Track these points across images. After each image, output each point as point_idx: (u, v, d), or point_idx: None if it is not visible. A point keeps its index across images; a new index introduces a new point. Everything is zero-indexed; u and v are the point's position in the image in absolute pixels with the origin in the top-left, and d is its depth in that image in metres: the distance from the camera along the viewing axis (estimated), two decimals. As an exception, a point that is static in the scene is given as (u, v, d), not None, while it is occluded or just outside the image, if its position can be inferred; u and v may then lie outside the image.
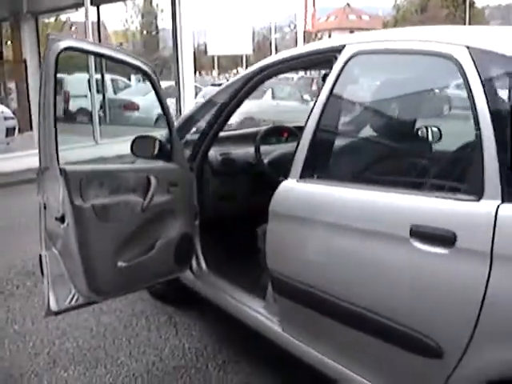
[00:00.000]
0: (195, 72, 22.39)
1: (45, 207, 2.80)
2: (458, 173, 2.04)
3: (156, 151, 3.32)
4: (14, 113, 11.38)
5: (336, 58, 2.50)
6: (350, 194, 2.29)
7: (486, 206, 1.78)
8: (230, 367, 3.18)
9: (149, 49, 37.40)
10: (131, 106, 14.53)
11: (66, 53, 2.70)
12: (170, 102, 12.12)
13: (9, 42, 15.69)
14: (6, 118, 10.33)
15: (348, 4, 62.25)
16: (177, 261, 3.24)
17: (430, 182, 2.14)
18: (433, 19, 33.79)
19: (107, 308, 3.97)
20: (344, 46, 2.50)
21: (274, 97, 15.75)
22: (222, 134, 3.60)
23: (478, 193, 1.82)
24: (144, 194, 3.00)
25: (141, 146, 3.38)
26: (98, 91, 14.10)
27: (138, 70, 3.00)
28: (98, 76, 14.29)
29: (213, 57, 40.94)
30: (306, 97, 15.89)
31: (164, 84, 15.28)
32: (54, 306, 2.82)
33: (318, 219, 2.40)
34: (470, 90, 1.91)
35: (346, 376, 2.39)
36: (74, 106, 15.21)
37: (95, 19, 15.32)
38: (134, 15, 40.33)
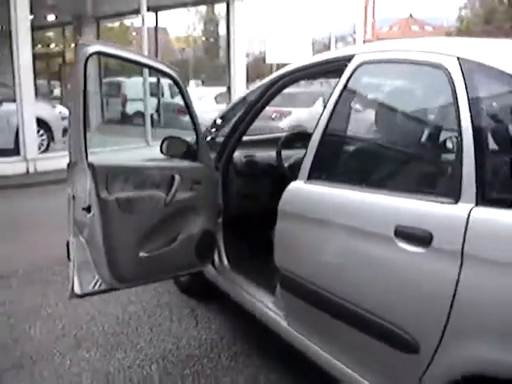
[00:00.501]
0: (254, 79, 22.67)
1: (74, 198, 3.02)
2: (441, 177, 2.13)
3: (183, 151, 3.53)
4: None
5: (346, 67, 2.63)
6: (346, 195, 2.42)
7: (461, 209, 1.89)
8: (242, 359, 3.34)
9: (209, 55, 37.99)
10: (184, 110, 14.83)
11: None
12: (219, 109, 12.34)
13: (72, 45, 16.33)
14: (63, 118, 10.81)
15: (411, 15, 61.44)
16: (198, 255, 3.40)
17: (417, 186, 2.24)
18: (497, 31, 33.02)
19: (135, 298, 4.20)
20: (353, 56, 2.63)
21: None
22: (248, 137, 3.77)
23: (455, 196, 1.93)
24: (168, 190, 3.18)
25: (169, 146, 3.60)
26: (153, 95, 14.58)
27: (163, 74, 3.21)
28: (155, 80, 14.72)
29: (271, 65, 41.28)
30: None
31: (219, 90, 15.61)
32: (77, 290, 3.04)
33: (318, 218, 2.55)
34: (456, 99, 2.01)
35: (337, 368, 2.51)
36: (131, 108, 15.69)
37: (156, 24, 15.81)
38: (197, 22, 41.11)
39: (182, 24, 41.11)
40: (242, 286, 3.43)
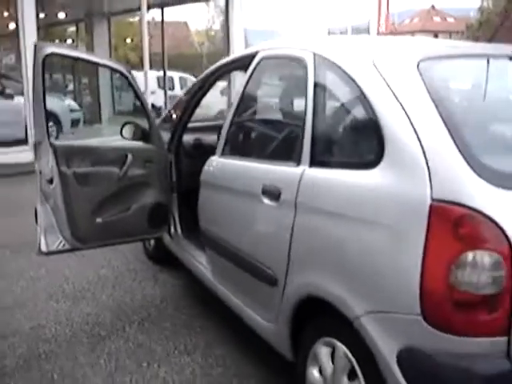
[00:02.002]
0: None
1: (40, 172, 3.66)
2: (292, 148, 2.69)
3: (137, 134, 4.14)
4: (80, 106, 12.60)
5: (251, 62, 3.23)
6: (236, 165, 3.05)
7: (298, 170, 2.48)
8: (185, 310, 3.94)
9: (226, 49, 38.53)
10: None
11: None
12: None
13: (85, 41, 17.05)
14: (71, 111, 11.57)
15: (433, 6, 61.23)
16: (150, 224, 4.01)
17: (278, 155, 2.84)
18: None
19: (107, 264, 4.87)
20: (257, 52, 3.22)
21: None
22: (197, 124, 4.38)
23: (298, 161, 2.52)
24: (121, 167, 3.81)
25: (127, 130, 4.21)
26: (162, 88, 15.26)
27: (113, 70, 3.84)
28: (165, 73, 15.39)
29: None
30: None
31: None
32: (44, 248, 3.67)
33: (219, 184, 3.19)
34: (306, 85, 2.59)
35: (237, 306, 3.12)
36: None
37: (170, 19, 16.44)
38: (216, 15, 41.72)
39: (202, 18, 41.69)
40: (189, 251, 4.03)
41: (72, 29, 19.12)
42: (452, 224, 1.77)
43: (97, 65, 3.83)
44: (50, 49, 3.45)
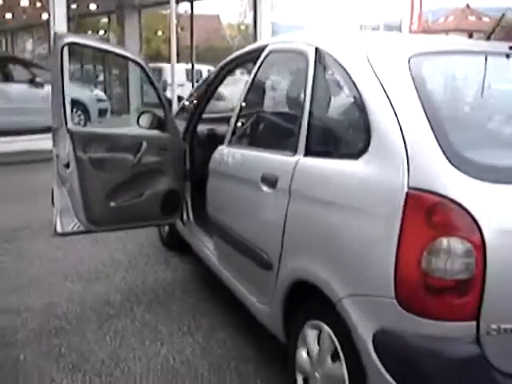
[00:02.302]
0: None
1: (57, 157, 3.82)
2: (290, 138, 2.78)
3: (153, 123, 4.27)
4: (109, 96, 12.86)
5: (260, 55, 3.33)
6: (240, 154, 3.17)
7: (293, 159, 2.59)
8: (193, 294, 4.08)
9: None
10: (216, 96, 15.69)
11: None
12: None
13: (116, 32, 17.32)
14: (99, 100, 11.82)
15: (468, 5, 60.39)
16: (163, 210, 4.15)
17: (277, 144, 2.95)
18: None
19: (122, 247, 5.03)
20: (266, 46, 3.33)
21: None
22: (213, 115, 4.50)
23: (294, 151, 2.63)
24: (135, 154, 3.95)
25: (144, 119, 4.35)
26: (190, 80, 15.45)
27: (131, 61, 3.98)
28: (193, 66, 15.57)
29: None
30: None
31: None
32: (59, 229, 3.83)
33: (226, 172, 3.31)
34: (306, 78, 2.69)
35: (238, 290, 3.24)
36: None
37: (202, 12, 16.60)
38: (248, 9, 41.84)
39: (235, 12, 41.83)
40: (199, 237, 4.16)
41: (104, 20, 19.42)
42: (425, 211, 1.86)
43: (114, 54, 3.97)
44: (69, 38, 3.61)
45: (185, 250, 4.62)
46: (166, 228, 4.99)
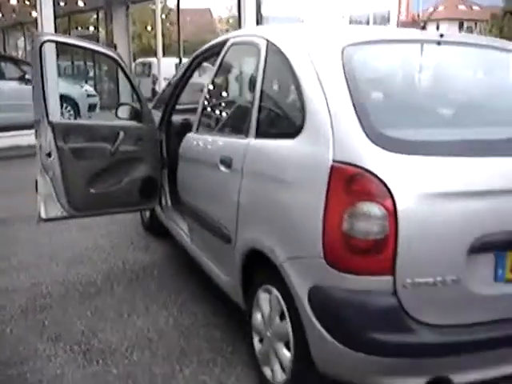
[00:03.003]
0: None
1: (40, 147, 4.09)
2: (244, 123, 3.06)
3: (131, 115, 4.55)
4: (97, 91, 13.12)
5: (223, 47, 3.61)
6: (202, 139, 3.46)
7: (245, 141, 2.88)
8: (170, 273, 4.38)
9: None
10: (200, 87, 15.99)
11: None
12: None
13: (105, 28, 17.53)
14: (88, 96, 12.09)
15: (458, -6, 60.54)
16: (141, 196, 4.42)
17: (233, 129, 3.24)
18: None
19: (106, 234, 5.31)
20: (228, 39, 3.60)
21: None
22: (188, 106, 4.78)
23: (247, 134, 2.91)
24: (113, 144, 4.22)
25: (121, 111, 4.62)
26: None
27: (107, 56, 4.24)
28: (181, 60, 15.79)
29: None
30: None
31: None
32: (43, 215, 4.11)
33: (191, 157, 3.59)
34: (258, 68, 2.97)
35: (207, 265, 3.53)
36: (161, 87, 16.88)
37: (193, 6, 16.72)
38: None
39: (225, 5, 42.01)
40: (175, 220, 4.44)
41: (95, 16, 19.61)
42: (345, 181, 2.14)
43: (90, 50, 4.23)
44: (46, 37, 3.88)
45: (164, 234, 4.89)
46: (147, 214, 5.26)
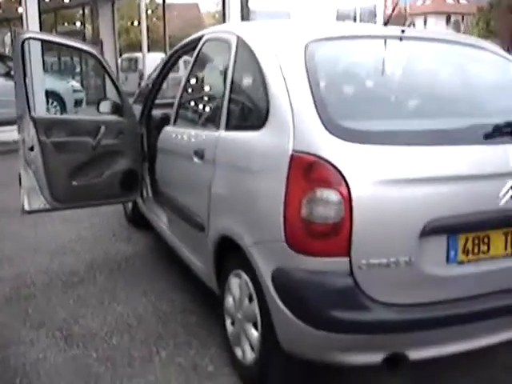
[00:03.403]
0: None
1: (23, 141, 4.21)
2: (215, 117, 3.20)
3: (112, 109, 4.67)
4: (83, 87, 13.21)
5: (199, 43, 3.74)
6: (177, 132, 3.60)
7: (216, 133, 3.02)
8: (151, 263, 4.53)
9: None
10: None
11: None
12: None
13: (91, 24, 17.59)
14: (75, 91, 12.18)
15: (446, -13, 60.78)
16: (122, 188, 4.55)
17: (206, 123, 3.38)
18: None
19: (89, 226, 5.45)
20: (203, 35, 3.73)
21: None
22: (167, 100, 4.91)
23: (218, 127, 3.06)
24: (94, 138, 4.34)
25: (103, 105, 4.74)
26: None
27: (86, 53, 4.36)
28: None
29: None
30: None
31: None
32: (27, 207, 4.23)
33: (167, 149, 3.73)
34: (228, 63, 3.11)
35: (184, 254, 3.67)
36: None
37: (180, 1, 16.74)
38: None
39: (213, 0, 41.99)
40: (156, 212, 4.57)
41: (81, 12, 19.64)
42: (303, 169, 2.29)
43: (70, 47, 4.35)
44: (27, 34, 4.00)
45: (146, 225, 5.02)
46: (130, 206, 5.39)
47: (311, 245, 2.30)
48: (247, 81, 3.04)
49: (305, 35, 2.86)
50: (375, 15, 31.77)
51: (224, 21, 13.16)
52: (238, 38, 3.12)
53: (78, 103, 12.48)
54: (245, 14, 15.06)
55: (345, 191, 2.24)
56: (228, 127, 2.98)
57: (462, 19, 53.87)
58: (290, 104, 2.45)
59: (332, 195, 2.25)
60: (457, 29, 53.38)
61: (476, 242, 2.45)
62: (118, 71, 15.92)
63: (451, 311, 2.42)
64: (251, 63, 2.87)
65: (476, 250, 2.46)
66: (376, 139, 2.36)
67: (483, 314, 2.47)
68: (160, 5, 24.18)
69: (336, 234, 2.27)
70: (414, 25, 58.52)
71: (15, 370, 3.01)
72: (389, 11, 31.09)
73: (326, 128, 2.33)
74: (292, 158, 2.33)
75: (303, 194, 2.27)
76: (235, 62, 3.07)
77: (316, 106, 2.39)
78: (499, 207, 2.44)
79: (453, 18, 57.61)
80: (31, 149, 4.14)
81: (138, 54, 17.05)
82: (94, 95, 14.96)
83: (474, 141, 2.49)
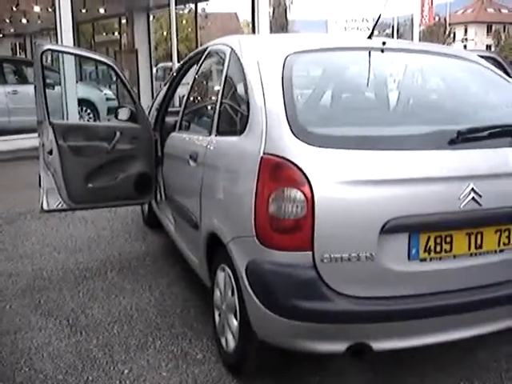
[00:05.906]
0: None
1: (43, 145, 4.54)
2: (208, 123, 3.46)
3: (127, 116, 4.97)
4: (122, 96, 13.65)
5: (203, 54, 4.01)
6: (178, 137, 3.86)
7: (208, 138, 3.27)
8: (161, 262, 4.79)
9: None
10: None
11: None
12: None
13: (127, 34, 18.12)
14: (108, 99, 12.65)
15: (486, -3, 60.15)
16: (136, 191, 4.83)
17: (201, 129, 3.63)
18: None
19: (108, 226, 5.76)
20: (207, 47, 4.00)
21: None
22: (177, 108, 5.19)
23: (210, 132, 3.31)
24: (110, 142, 4.65)
25: (120, 113, 5.05)
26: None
27: (103, 64, 4.67)
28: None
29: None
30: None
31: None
32: (45, 207, 4.55)
33: (172, 153, 3.99)
34: (222, 74, 3.36)
35: (185, 251, 3.92)
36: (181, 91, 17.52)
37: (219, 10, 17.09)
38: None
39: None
40: (166, 213, 4.84)
41: (119, 23, 20.22)
42: (270, 169, 2.52)
43: (87, 58, 4.67)
44: (47, 46, 4.32)
45: (160, 227, 5.30)
46: (146, 209, 5.68)
47: (277, 239, 2.52)
48: (236, 89, 3.28)
49: (287, 47, 3.08)
50: (412, 24, 31.59)
51: (253, 31, 13.44)
52: (232, 49, 3.36)
53: (111, 111, 12.95)
54: (284, 24, 15.14)
55: (307, 190, 2.45)
56: (218, 133, 3.24)
57: (504, 29, 53.19)
58: (265, 111, 2.68)
59: (296, 194, 2.46)
60: (497, 38, 52.62)
61: (438, 241, 2.62)
62: (152, 80, 16.34)
63: (412, 305, 2.60)
64: (239, 73, 3.11)
65: (438, 249, 2.63)
66: (339, 144, 2.56)
67: (445, 309, 2.63)
68: (200, 14, 24.74)
69: (299, 230, 2.48)
70: (454, 34, 57.98)
71: (21, 353, 3.30)
72: (426, 20, 31.04)
73: (294, 133, 2.55)
74: (262, 159, 2.56)
75: (270, 192, 2.50)
76: (227, 72, 3.32)
77: (286, 114, 2.62)
78: (460, 209, 2.60)
79: (494, 28, 56.89)
80: (50, 152, 4.46)
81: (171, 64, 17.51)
82: (129, 103, 15.39)
83: (437, 146, 2.67)
